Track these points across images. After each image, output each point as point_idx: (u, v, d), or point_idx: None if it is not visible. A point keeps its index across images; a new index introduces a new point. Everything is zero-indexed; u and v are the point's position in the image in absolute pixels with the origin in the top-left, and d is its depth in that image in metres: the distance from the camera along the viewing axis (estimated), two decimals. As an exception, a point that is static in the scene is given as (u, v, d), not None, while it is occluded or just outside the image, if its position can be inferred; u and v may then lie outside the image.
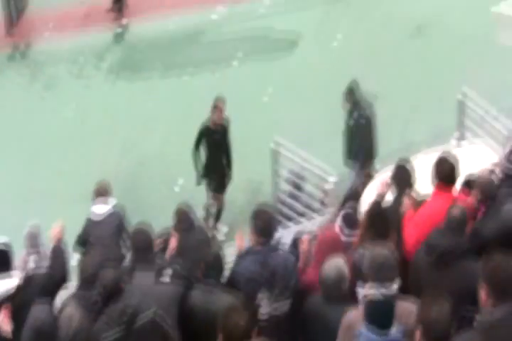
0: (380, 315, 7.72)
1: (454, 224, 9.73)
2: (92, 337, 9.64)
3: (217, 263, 10.41)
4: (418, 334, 7.14)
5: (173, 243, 12.87)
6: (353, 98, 17.70)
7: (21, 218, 14.95)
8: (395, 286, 8.10)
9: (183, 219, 13.57)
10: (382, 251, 8.57)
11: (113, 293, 9.78)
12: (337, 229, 11.12)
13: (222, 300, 9.67)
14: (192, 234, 13.24)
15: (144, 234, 11.15)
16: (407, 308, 8.17)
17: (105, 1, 25.93)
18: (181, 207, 14.06)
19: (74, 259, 12.34)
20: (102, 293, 9.81)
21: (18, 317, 10.05)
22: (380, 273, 8.21)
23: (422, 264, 9.81)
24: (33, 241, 14.06)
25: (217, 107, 18.61)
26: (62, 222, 12.30)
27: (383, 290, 8.05)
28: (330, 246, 10.80)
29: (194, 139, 18.81)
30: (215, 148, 19.24)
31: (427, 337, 7.16)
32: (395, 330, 7.57)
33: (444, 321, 7.33)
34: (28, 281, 11.09)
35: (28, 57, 25.48)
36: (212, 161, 19.32)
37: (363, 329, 7.53)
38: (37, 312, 9.90)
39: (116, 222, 15.09)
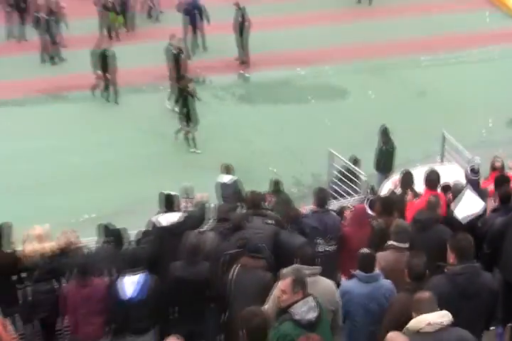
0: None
1: (430, 205, 10.52)
2: (220, 251, 10.16)
3: (295, 217, 11.20)
4: (405, 274, 8.04)
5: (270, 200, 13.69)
6: (385, 135, 18.40)
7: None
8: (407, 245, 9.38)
9: (276, 189, 14.90)
10: (404, 223, 9.86)
11: (236, 228, 10.61)
12: (365, 206, 12.18)
13: (298, 238, 10.54)
14: (280, 196, 14.26)
15: (258, 193, 12.06)
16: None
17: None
18: (277, 179, 15.46)
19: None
20: (231, 227, 10.75)
21: (179, 237, 10.39)
22: (397, 235, 9.41)
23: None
24: (189, 192, 14.89)
25: None
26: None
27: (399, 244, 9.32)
28: (360, 214, 11.60)
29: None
30: None
31: (409, 276, 7.98)
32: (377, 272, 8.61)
33: (421, 266, 7.95)
34: (187, 218, 11.42)
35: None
36: None
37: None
38: (192, 236, 10.14)
39: (236, 185, 16.05)
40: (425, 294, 7.08)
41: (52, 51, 26.82)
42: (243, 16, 25.69)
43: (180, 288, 9.60)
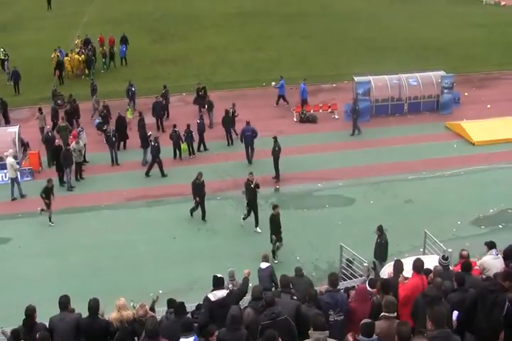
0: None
1: (437, 286, 10.39)
2: (257, 322, 9.97)
3: (314, 295, 11.01)
4: (396, 338, 7.92)
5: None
6: (380, 231, 18.01)
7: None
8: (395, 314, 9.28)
9: (299, 274, 13.79)
10: (391, 298, 9.65)
11: (268, 304, 10.25)
12: (366, 285, 12.10)
13: (314, 310, 10.33)
14: (302, 280, 13.52)
15: (287, 276, 12.09)
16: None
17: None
18: (298, 267, 14.40)
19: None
20: (264, 304, 10.40)
21: (224, 312, 10.17)
22: (388, 308, 9.33)
23: (419, 303, 9.99)
24: (231, 275, 15.68)
25: None
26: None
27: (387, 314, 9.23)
28: (361, 292, 11.39)
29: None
30: None
31: (399, 338, 7.91)
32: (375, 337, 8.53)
33: (407, 332, 7.94)
34: (229, 294, 11.31)
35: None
36: None
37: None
38: (234, 309, 10.05)
39: (270, 271, 15.67)
40: None
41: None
42: (278, 146, 25.95)
43: None
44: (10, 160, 25.48)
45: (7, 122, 32.43)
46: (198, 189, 22.69)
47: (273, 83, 35.10)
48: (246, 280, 12.60)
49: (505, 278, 10.17)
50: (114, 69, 42.83)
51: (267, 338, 8.76)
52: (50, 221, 23.32)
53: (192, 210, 23.06)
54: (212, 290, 11.43)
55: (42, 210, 23.27)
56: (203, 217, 23.12)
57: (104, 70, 42.33)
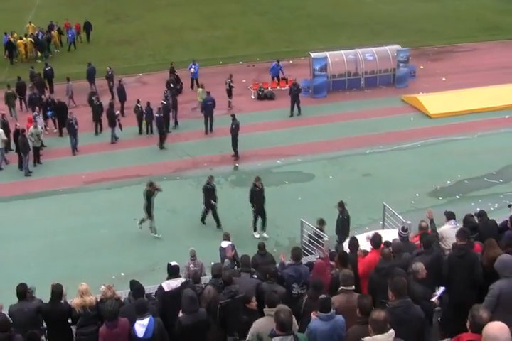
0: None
1: (386, 257, 10.57)
2: (217, 301, 10.19)
3: (275, 272, 11.03)
4: (357, 311, 7.86)
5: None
6: (341, 207, 18.11)
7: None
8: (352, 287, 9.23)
9: (262, 252, 13.62)
10: (348, 272, 9.61)
11: (227, 282, 10.47)
12: (326, 259, 12.45)
13: (279, 288, 10.39)
14: (266, 258, 13.42)
15: (247, 256, 12.11)
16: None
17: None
18: (262, 243, 14.31)
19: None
20: (224, 282, 10.57)
21: (177, 303, 9.95)
22: (345, 282, 9.28)
23: (373, 278, 10.27)
24: (192, 254, 15.61)
25: None
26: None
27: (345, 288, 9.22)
28: (323, 266, 11.56)
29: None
30: None
31: (360, 312, 7.82)
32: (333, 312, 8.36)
33: (369, 304, 7.88)
34: (184, 285, 10.93)
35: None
36: None
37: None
38: (188, 291, 9.73)
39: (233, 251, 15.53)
40: (380, 315, 6.96)
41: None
42: (235, 124, 25.94)
43: (187, 333, 9.40)
44: None
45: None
46: (209, 194, 20.74)
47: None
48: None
49: (459, 237, 10.66)
50: (70, 51, 42.09)
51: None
52: None
53: (203, 218, 21.27)
54: (168, 279, 11.18)
55: None
56: (219, 225, 21.01)
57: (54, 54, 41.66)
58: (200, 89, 30.38)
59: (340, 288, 9.31)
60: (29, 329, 9.60)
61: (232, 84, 31.58)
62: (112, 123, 28.25)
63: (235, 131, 25.90)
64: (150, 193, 20.15)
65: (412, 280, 9.46)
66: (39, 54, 40.52)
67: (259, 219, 20.50)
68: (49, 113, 29.31)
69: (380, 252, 11.06)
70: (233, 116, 26.27)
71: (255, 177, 20.34)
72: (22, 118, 29.12)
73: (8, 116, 29.33)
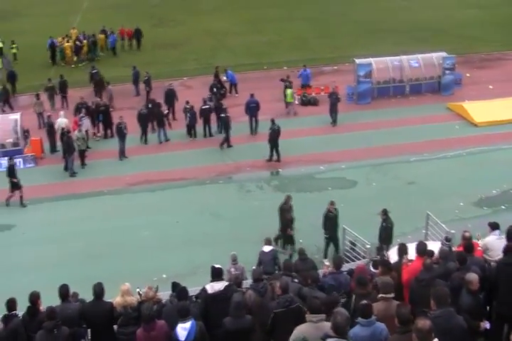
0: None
1: (427, 268, 10.26)
2: (260, 306, 10.23)
3: (317, 277, 11.25)
4: (396, 320, 7.78)
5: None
6: (385, 215, 18.04)
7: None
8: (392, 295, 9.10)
9: (302, 257, 14.25)
10: (388, 279, 9.56)
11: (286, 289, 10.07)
12: (370, 267, 12.43)
13: (319, 293, 10.23)
14: (306, 264, 13.79)
15: (289, 261, 13.20)
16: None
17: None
18: (302, 248, 14.96)
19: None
20: (264, 285, 10.74)
21: (218, 306, 10.24)
22: (384, 289, 9.19)
23: (414, 288, 10.04)
24: (234, 259, 15.62)
25: None
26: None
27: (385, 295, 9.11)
28: (361, 272, 11.44)
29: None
30: None
31: (399, 322, 7.75)
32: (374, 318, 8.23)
33: (407, 314, 7.76)
34: (227, 288, 10.81)
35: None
36: None
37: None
38: (236, 296, 10.04)
39: (273, 255, 16.07)
40: (426, 325, 6.85)
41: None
42: (273, 128, 26.02)
43: (230, 337, 9.45)
44: None
45: (11, 109, 32.35)
46: (284, 214, 19.64)
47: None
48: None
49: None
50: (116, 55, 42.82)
51: None
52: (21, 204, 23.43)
53: (277, 239, 19.95)
54: (211, 281, 11.08)
55: (8, 199, 23.29)
56: (285, 246, 20.00)
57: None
58: (289, 90, 31.06)
59: (380, 295, 9.20)
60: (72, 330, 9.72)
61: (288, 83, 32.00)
62: (161, 123, 28.49)
63: (271, 135, 25.90)
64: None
65: (464, 291, 9.26)
66: (78, 57, 41.19)
67: (331, 246, 19.33)
68: (99, 118, 29.27)
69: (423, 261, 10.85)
70: (272, 120, 26.25)
71: (329, 202, 19.32)
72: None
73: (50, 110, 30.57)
